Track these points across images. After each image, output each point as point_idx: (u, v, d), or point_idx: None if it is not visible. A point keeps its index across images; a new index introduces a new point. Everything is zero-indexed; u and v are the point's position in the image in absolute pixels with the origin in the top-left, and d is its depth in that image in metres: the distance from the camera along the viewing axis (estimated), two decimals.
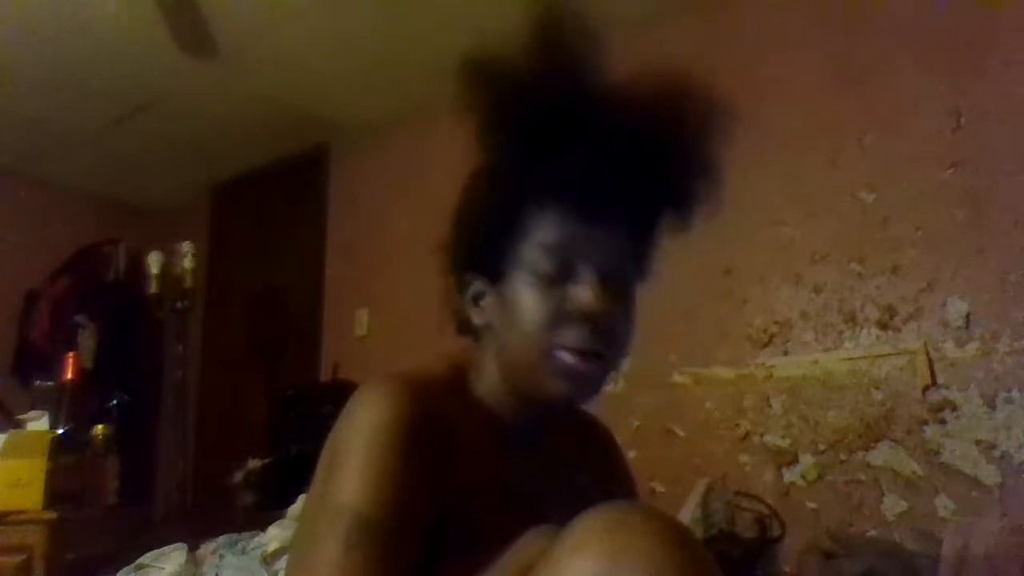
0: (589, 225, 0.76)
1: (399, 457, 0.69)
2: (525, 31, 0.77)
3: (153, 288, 3.21)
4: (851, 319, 1.98)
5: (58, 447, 2.01)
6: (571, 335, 0.75)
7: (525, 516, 0.74)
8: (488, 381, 0.82)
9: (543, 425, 0.85)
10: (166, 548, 1.71)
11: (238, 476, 2.61)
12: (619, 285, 0.78)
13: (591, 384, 0.79)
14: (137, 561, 1.69)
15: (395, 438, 0.70)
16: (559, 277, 0.76)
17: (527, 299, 0.76)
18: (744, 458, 2.08)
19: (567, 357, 0.75)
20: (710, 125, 0.78)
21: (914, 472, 1.81)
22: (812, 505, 1.95)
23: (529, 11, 0.77)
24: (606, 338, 0.77)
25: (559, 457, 0.88)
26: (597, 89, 0.77)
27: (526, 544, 0.68)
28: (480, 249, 0.80)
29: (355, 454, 0.70)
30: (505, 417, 0.82)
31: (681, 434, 2.21)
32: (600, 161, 0.75)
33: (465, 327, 0.85)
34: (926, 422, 1.82)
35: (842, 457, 1.93)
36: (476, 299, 0.82)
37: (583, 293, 0.75)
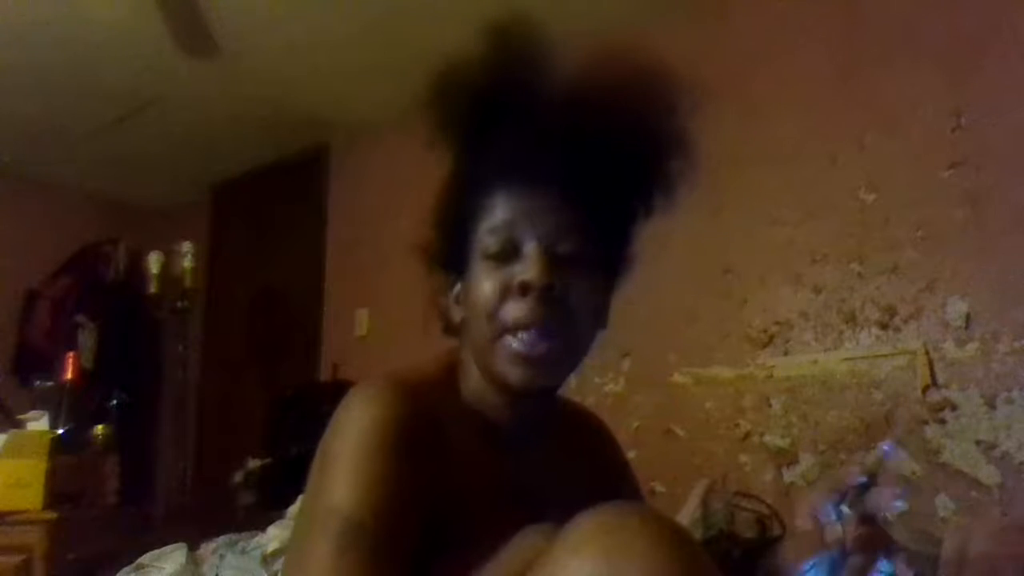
0: (530, 200, 0.76)
1: (389, 459, 0.69)
2: (479, 35, 0.80)
3: (153, 288, 3.21)
4: (851, 319, 1.98)
5: (58, 447, 2.01)
6: (514, 309, 0.75)
7: (521, 515, 0.74)
8: (472, 379, 0.82)
9: (534, 422, 0.84)
10: (166, 548, 1.71)
11: (238, 476, 2.61)
12: (572, 261, 0.76)
13: (549, 367, 0.77)
14: (137, 561, 1.69)
15: (385, 440, 0.70)
16: (507, 256, 0.76)
17: (479, 281, 0.77)
18: (744, 458, 2.08)
19: (513, 343, 0.75)
20: (661, 100, 0.78)
21: (914, 472, 1.81)
22: None
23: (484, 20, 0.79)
24: (556, 311, 0.75)
25: (554, 454, 0.87)
26: (541, 82, 0.78)
27: (523, 543, 0.68)
28: (448, 245, 0.82)
29: (345, 457, 0.70)
30: (493, 415, 0.81)
31: (681, 434, 2.21)
32: (535, 136, 0.76)
33: (451, 327, 0.86)
34: (926, 422, 1.82)
35: (842, 457, 1.93)
36: (457, 298, 0.83)
37: (530, 269, 0.74)
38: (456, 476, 0.75)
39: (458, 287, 0.83)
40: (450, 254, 0.82)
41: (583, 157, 0.75)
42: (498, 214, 0.77)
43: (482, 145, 0.79)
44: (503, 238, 0.76)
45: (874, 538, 0.72)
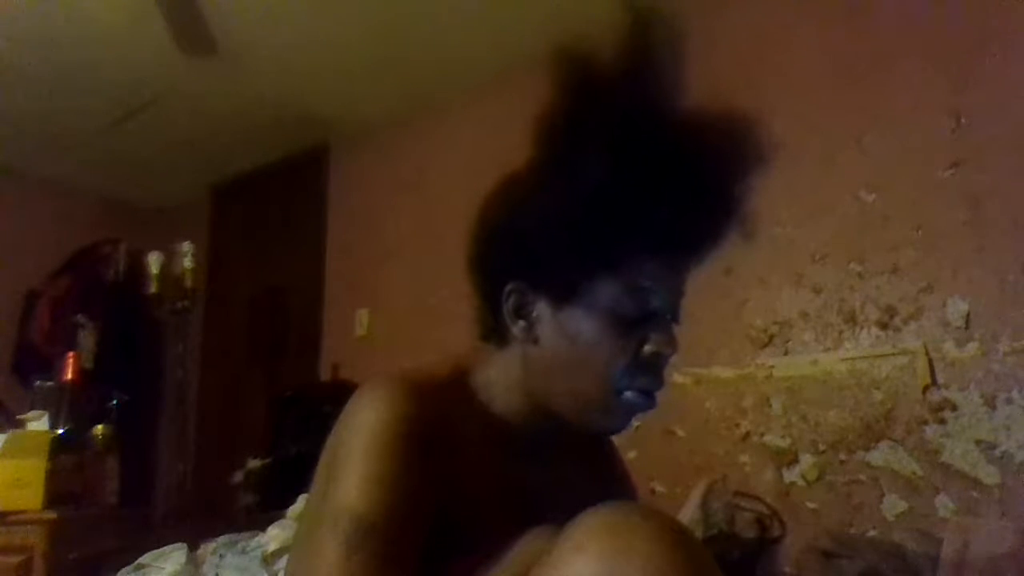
0: (673, 272, 0.79)
1: (399, 459, 0.69)
2: (615, 36, 0.73)
3: (153, 288, 3.21)
4: (851, 319, 1.98)
5: (58, 447, 2.01)
6: (646, 380, 0.77)
7: (528, 516, 0.75)
8: (502, 389, 0.80)
9: (552, 435, 0.84)
10: (166, 548, 1.71)
11: (238, 476, 2.61)
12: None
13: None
14: (137, 561, 1.69)
15: (395, 439, 0.69)
16: (636, 320, 0.76)
17: (603, 338, 0.75)
18: (744, 458, 2.08)
19: (636, 397, 0.77)
20: (758, 166, 0.78)
21: (914, 472, 1.81)
22: (812, 505, 1.95)
23: (617, 17, 0.73)
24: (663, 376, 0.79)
25: (559, 457, 0.87)
26: (676, 107, 0.75)
27: (527, 544, 0.68)
28: (545, 265, 0.75)
29: (355, 456, 0.69)
30: (513, 423, 0.81)
31: (681, 434, 2.21)
32: (690, 208, 0.74)
33: (491, 334, 0.82)
34: (926, 422, 1.82)
35: (842, 457, 1.93)
36: (518, 311, 0.78)
37: (664, 341, 0.76)
38: (465, 477, 0.75)
39: (524, 301, 0.78)
40: (537, 275, 0.76)
41: (709, 233, 0.78)
42: (640, 277, 0.75)
43: (626, 178, 0.71)
44: (642, 306, 0.76)
45: None
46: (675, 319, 0.80)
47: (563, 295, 0.75)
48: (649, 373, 0.77)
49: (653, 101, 0.73)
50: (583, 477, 0.90)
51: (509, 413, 0.80)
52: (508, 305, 0.78)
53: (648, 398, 0.78)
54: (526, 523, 0.72)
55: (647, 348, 0.76)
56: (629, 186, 0.71)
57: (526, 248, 0.75)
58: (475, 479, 0.76)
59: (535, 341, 0.77)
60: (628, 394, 0.77)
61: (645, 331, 0.76)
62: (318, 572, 0.66)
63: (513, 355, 0.80)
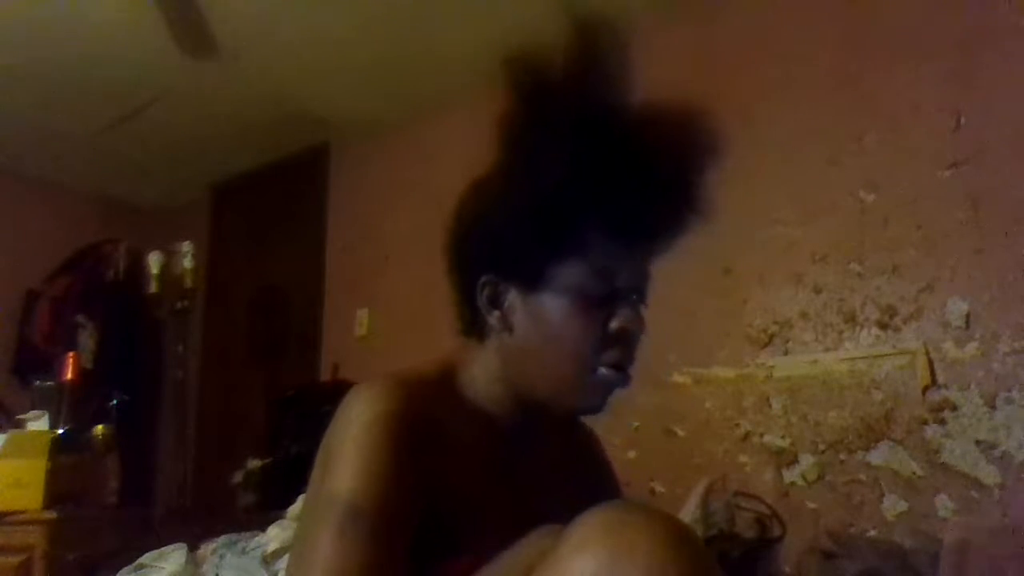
0: (635, 252, 0.82)
1: (390, 449, 0.71)
2: (561, 35, 0.78)
3: (153, 288, 3.21)
4: (851, 319, 1.98)
5: (58, 447, 2.01)
6: (615, 355, 0.80)
7: (518, 507, 0.78)
8: (486, 381, 0.84)
9: (536, 425, 0.87)
10: (166, 548, 1.71)
11: (238, 476, 2.61)
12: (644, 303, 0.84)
13: (611, 396, 0.84)
14: (137, 561, 1.69)
15: (387, 431, 0.72)
16: (602, 300, 0.80)
17: (572, 318, 0.79)
18: (744, 458, 2.08)
19: (609, 374, 0.80)
20: (713, 155, 0.82)
21: (914, 472, 1.81)
22: (812, 505, 1.95)
23: (564, 17, 0.78)
24: (635, 350, 0.83)
25: (547, 452, 0.90)
26: (626, 104, 0.79)
27: (529, 543, 0.69)
28: (513, 255, 0.80)
29: (348, 447, 0.72)
30: (502, 418, 0.84)
31: (681, 434, 2.21)
32: (652, 191, 0.78)
33: (470, 327, 0.85)
34: (926, 422, 1.82)
35: (842, 457, 1.93)
36: (493, 302, 0.82)
37: (629, 317, 0.80)
38: (455, 470, 0.77)
39: (497, 292, 0.82)
40: (507, 265, 0.81)
41: (671, 214, 0.82)
42: (605, 258, 0.79)
43: (579, 167, 0.76)
44: (607, 284, 0.80)
45: None
46: (642, 300, 0.84)
47: (531, 282, 0.80)
48: (618, 348, 0.80)
49: (601, 99, 0.77)
50: (570, 472, 0.93)
51: (494, 405, 0.84)
52: (483, 297, 0.83)
53: (621, 375, 0.81)
54: (517, 515, 0.75)
55: (613, 324, 0.80)
56: (584, 177, 0.76)
57: (494, 241, 0.81)
58: (465, 473, 0.79)
59: (510, 330, 0.82)
60: (601, 370, 0.80)
61: (611, 309, 0.80)
62: (312, 559, 0.68)
63: (492, 347, 0.84)
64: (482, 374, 0.84)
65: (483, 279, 0.82)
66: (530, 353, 0.81)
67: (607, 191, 0.77)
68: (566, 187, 0.76)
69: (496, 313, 0.82)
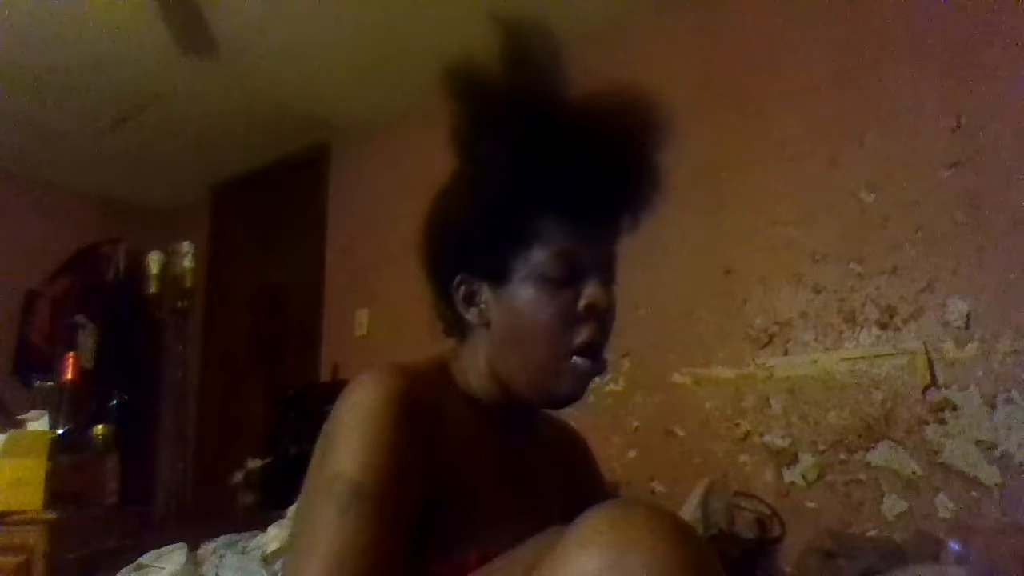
0: (590, 229, 0.83)
1: (391, 429, 0.72)
2: (494, 43, 0.82)
3: (153, 288, 3.21)
4: (851, 319, 1.98)
5: (58, 447, 2.00)
6: (587, 333, 0.81)
7: (520, 500, 0.80)
8: (474, 376, 0.86)
9: (523, 420, 0.90)
10: (166, 548, 1.70)
11: (238, 476, 2.61)
12: (611, 281, 0.85)
13: (590, 384, 0.84)
14: (137, 561, 1.69)
15: (388, 413, 0.73)
16: (567, 281, 0.81)
17: (540, 303, 0.81)
18: (744, 458, 2.08)
19: (582, 362, 0.81)
20: (661, 134, 0.84)
21: (914, 472, 1.81)
22: (812, 505, 1.95)
23: (495, 24, 0.82)
24: (607, 328, 0.83)
25: (538, 451, 0.92)
26: (566, 97, 0.82)
27: (533, 541, 0.69)
28: (479, 253, 0.83)
29: (349, 428, 0.73)
30: (490, 408, 0.86)
31: (681, 434, 2.21)
32: (597, 172, 0.80)
33: (453, 328, 0.89)
34: (926, 422, 1.82)
35: (842, 457, 1.93)
36: (469, 300, 0.85)
37: (595, 293, 0.81)
38: (456, 454, 0.78)
39: (472, 290, 0.85)
40: (476, 262, 0.84)
41: (625, 194, 0.84)
42: (562, 240, 0.81)
43: (522, 159, 0.80)
44: (568, 264, 0.81)
45: None
46: (610, 279, 0.84)
47: (500, 275, 0.82)
48: (589, 326, 0.81)
49: (538, 96, 0.81)
50: (560, 472, 0.94)
51: (486, 399, 0.85)
52: (459, 296, 0.85)
53: (596, 363, 0.82)
54: (517, 505, 0.77)
55: (581, 302, 0.81)
56: (533, 169, 0.80)
57: (461, 242, 0.84)
58: (465, 458, 0.80)
59: (488, 325, 0.84)
60: (575, 360, 0.81)
61: (579, 289, 0.81)
62: (314, 537, 0.68)
63: (474, 344, 0.86)
64: (471, 370, 0.86)
65: (457, 279, 0.85)
66: (508, 344, 0.83)
67: (556, 178, 0.80)
68: (517, 181, 0.81)
69: (473, 310, 0.85)
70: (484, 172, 0.83)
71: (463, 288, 0.85)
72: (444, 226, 0.87)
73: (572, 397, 0.83)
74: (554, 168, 0.80)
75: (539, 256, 0.81)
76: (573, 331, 0.81)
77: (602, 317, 0.82)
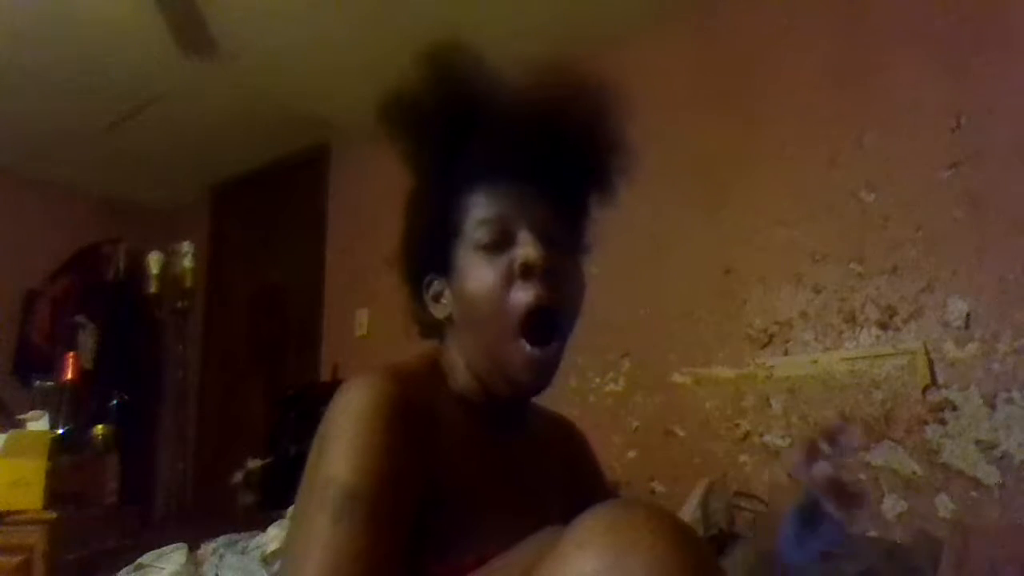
0: (516, 192, 0.83)
1: (384, 433, 0.72)
2: (418, 67, 0.88)
3: (153, 288, 3.21)
4: (851, 319, 1.98)
5: (58, 447, 2.00)
6: (523, 293, 0.80)
7: (518, 500, 0.80)
8: (459, 373, 0.86)
9: (514, 416, 0.90)
10: (166, 548, 1.70)
11: (238, 476, 2.61)
12: (559, 249, 0.83)
13: (553, 369, 0.84)
14: (137, 561, 1.69)
15: (382, 416, 0.73)
16: (501, 246, 0.82)
17: (478, 273, 0.82)
18: (744, 458, 2.08)
19: (528, 348, 0.80)
20: (603, 105, 0.86)
21: (914, 472, 1.81)
22: None
23: (418, 57, 0.88)
24: (558, 294, 0.81)
25: (534, 447, 0.92)
26: (491, 92, 0.86)
27: (531, 543, 0.69)
28: (428, 249, 0.87)
29: (342, 432, 0.73)
30: (478, 404, 0.86)
31: (681, 434, 2.21)
32: (513, 137, 0.82)
33: (429, 330, 0.91)
34: (926, 422, 1.82)
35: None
36: (436, 297, 0.88)
37: (527, 251, 0.80)
38: (451, 455, 0.79)
39: (436, 286, 0.88)
40: (431, 259, 0.87)
41: (551, 155, 0.83)
42: (486, 208, 0.83)
43: (449, 155, 0.85)
44: (496, 228, 0.82)
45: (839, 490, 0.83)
46: (551, 244, 0.82)
47: (448, 263, 0.85)
48: (531, 287, 0.79)
49: (459, 101, 0.85)
50: (559, 470, 0.94)
51: (473, 395, 0.86)
52: (428, 296, 0.89)
53: (543, 347, 0.80)
54: (515, 505, 0.77)
55: (516, 262, 0.80)
56: (457, 155, 0.84)
57: (420, 243, 0.89)
58: (461, 459, 0.80)
59: (451, 318, 0.86)
60: (521, 343, 0.80)
61: (513, 252, 0.81)
62: (308, 542, 0.68)
63: (449, 342, 0.88)
64: (455, 367, 0.87)
65: (425, 279, 0.89)
66: (466, 329, 0.84)
67: (475, 155, 0.83)
68: (444, 172, 0.85)
69: (438, 307, 0.87)
70: (422, 175, 0.89)
71: (431, 288, 0.88)
72: (406, 234, 0.91)
73: (534, 384, 0.83)
74: (473, 147, 0.83)
75: (471, 225, 0.83)
76: (515, 296, 0.80)
77: (550, 281, 0.80)
